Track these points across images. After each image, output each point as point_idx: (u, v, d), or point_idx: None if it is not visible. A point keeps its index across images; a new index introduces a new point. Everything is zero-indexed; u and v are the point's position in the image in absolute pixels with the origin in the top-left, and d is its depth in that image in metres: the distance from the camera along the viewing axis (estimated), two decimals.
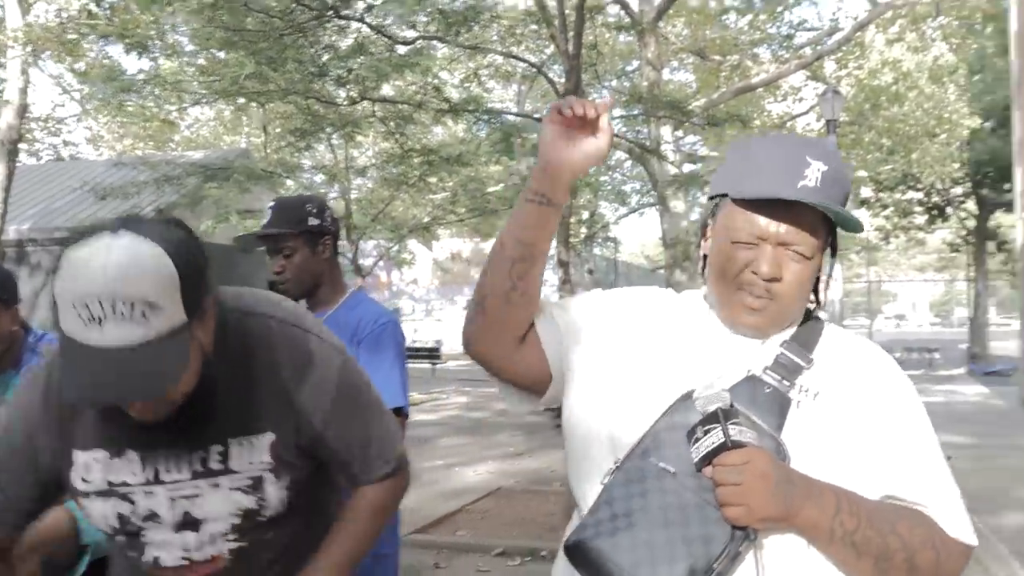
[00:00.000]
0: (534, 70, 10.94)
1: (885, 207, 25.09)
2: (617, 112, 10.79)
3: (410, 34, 9.09)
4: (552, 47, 9.62)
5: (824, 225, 1.32)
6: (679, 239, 11.90)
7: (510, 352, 1.40)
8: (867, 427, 1.28)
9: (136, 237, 1.26)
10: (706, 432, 1.19)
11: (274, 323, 1.54)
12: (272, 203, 2.70)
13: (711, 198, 1.40)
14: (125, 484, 1.47)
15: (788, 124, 18.81)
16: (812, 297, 1.38)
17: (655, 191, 13.48)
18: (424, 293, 33.57)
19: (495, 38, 11.36)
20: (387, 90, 11.22)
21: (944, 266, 42.29)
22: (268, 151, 14.31)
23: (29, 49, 11.85)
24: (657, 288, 1.53)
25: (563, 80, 7.93)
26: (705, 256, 1.40)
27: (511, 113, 10.84)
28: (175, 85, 10.29)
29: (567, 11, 8.20)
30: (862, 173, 21.01)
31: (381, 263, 19.43)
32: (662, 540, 1.17)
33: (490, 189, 14.26)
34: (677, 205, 12.91)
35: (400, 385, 2.59)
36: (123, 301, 1.21)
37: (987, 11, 16.16)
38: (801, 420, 1.27)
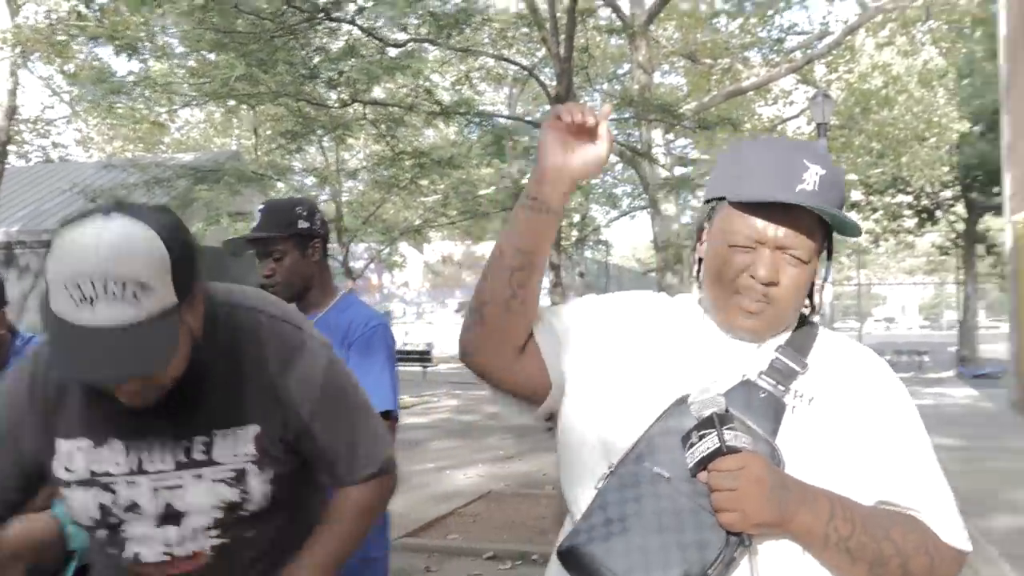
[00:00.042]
0: (525, 73, 10.93)
1: (875, 210, 25.18)
2: (609, 116, 10.77)
3: (401, 36, 9.07)
4: (543, 50, 9.60)
5: (820, 229, 1.31)
6: (670, 242, 11.89)
7: (510, 362, 1.36)
8: (861, 432, 1.28)
9: (128, 219, 1.28)
10: (701, 437, 1.19)
11: (263, 317, 1.55)
12: (261, 206, 2.67)
13: (707, 201, 1.39)
14: (108, 474, 1.47)
15: (779, 128, 18.87)
16: (807, 302, 1.38)
17: (646, 194, 13.48)
18: (415, 296, 33.53)
19: (486, 41, 11.35)
20: (378, 92, 11.20)
21: (933, 269, 42.46)
22: (259, 153, 14.28)
23: (18, 50, 11.80)
24: (650, 292, 1.52)
25: (554, 83, 7.91)
26: (700, 260, 1.39)
27: (503, 116, 10.85)
28: (165, 87, 10.24)
29: (558, 14, 8.19)
30: (852, 177, 21.07)
31: (372, 266, 19.40)
32: (656, 546, 1.17)
33: (481, 192, 14.23)
34: (668, 208, 12.92)
35: (390, 388, 2.58)
36: (115, 281, 1.22)
37: (976, 16, 16.24)
38: (796, 425, 1.26)
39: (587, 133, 1.30)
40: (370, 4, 8.37)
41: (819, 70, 17.16)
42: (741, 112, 16.32)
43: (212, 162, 12.69)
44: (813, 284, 1.36)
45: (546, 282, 9.88)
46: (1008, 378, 14.59)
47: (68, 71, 16.18)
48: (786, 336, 1.36)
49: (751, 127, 17.26)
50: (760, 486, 1.15)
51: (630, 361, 1.36)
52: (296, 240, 2.62)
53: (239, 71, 8.31)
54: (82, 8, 11.64)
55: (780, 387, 1.29)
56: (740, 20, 15.96)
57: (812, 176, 1.27)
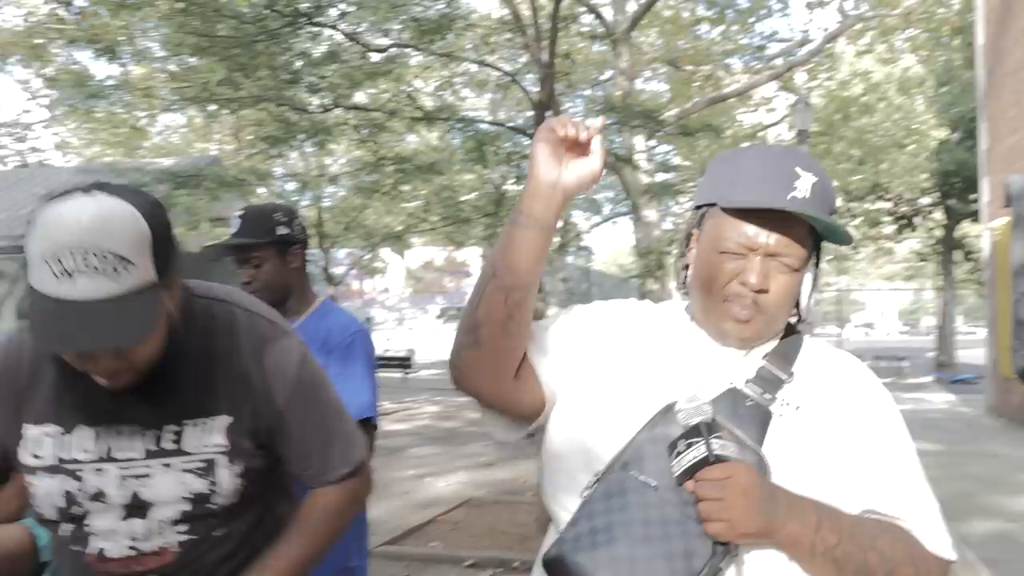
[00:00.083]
0: (508, 78, 10.94)
1: (855, 217, 25.35)
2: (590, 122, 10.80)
3: (383, 41, 9.06)
4: (526, 56, 9.62)
5: (811, 237, 1.31)
6: (652, 248, 11.93)
7: (507, 384, 1.33)
8: (847, 441, 1.27)
9: (110, 196, 1.30)
10: (688, 446, 1.18)
11: (239, 311, 1.56)
12: (240, 212, 2.62)
13: (697, 207, 1.37)
14: (75, 461, 1.46)
15: (760, 134, 18.98)
16: (794, 310, 1.37)
17: (628, 200, 13.52)
18: (396, 302, 33.46)
19: (469, 46, 11.36)
20: (360, 98, 11.19)
21: (912, 275, 42.77)
22: (240, 158, 14.21)
23: None
24: (634, 300, 1.51)
25: (537, 89, 7.92)
26: (688, 266, 1.38)
27: (485, 121, 10.83)
28: (145, 91, 10.18)
29: (541, 20, 8.20)
30: (832, 183, 21.24)
31: (353, 271, 19.34)
32: (643, 555, 1.16)
33: (463, 198, 14.24)
34: (650, 214, 12.96)
35: (370, 396, 2.55)
36: (96, 253, 1.23)
37: (954, 24, 16.41)
38: (782, 434, 1.26)
39: (579, 146, 1.27)
40: (352, 9, 8.36)
41: (800, 77, 17.29)
42: (723, 119, 16.41)
43: (192, 167, 12.60)
44: (801, 293, 1.36)
45: None
46: (985, 383, 14.72)
47: (46, 75, 16.05)
48: (773, 344, 1.36)
49: (733, 134, 17.36)
50: (747, 496, 1.15)
51: (616, 369, 1.34)
52: (275, 247, 2.58)
53: (219, 75, 8.26)
54: (61, 11, 11.53)
55: (767, 395, 1.28)
56: (722, 27, 16.04)
57: (804, 183, 1.27)
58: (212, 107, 10.04)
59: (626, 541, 1.17)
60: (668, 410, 1.24)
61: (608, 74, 16.39)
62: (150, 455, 1.46)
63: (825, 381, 1.33)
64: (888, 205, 24.61)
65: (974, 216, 18.93)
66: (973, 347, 25.98)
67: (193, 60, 9.20)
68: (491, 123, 10.56)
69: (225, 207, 12.37)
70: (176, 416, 1.48)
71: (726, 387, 1.29)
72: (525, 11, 8.56)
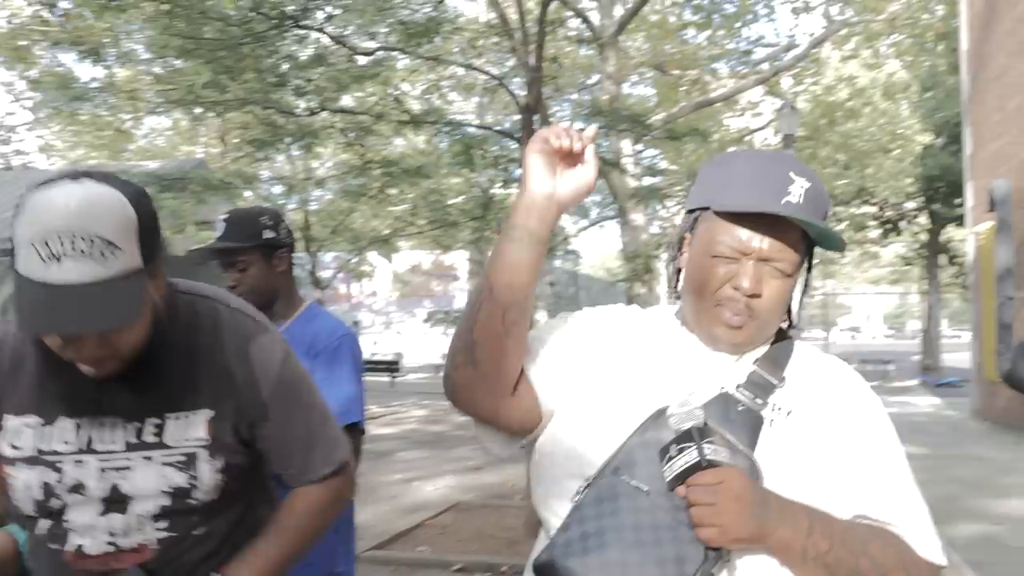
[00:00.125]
0: (495, 82, 10.94)
1: (840, 221, 25.49)
2: (579, 126, 10.82)
3: (370, 45, 9.04)
4: (513, 59, 9.62)
5: (803, 243, 1.30)
6: (639, 252, 11.94)
7: (504, 401, 1.31)
8: (838, 446, 1.27)
9: (97, 183, 1.31)
10: (680, 450, 1.17)
11: (223, 308, 1.57)
12: (225, 215, 2.59)
13: (690, 211, 1.37)
14: (55, 452, 1.46)
15: (746, 139, 19.07)
16: (785, 316, 1.37)
17: (615, 204, 13.55)
18: (383, 305, 33.39)
19: (456, 50, 11.35)
20: (347, 101, 11.15)
21: (897, 279, 43.03)
22: (226, 161, 14.15)
23: None
24: (622, 306, 1.50)
25: (524, 93, 7.92)
26: (679, 270, 1.37)
27: (472, 125, 10.82)
28: (130, 94, 10.12)
29: (528, 24, 8.20)
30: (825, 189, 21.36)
31: (340, 275, 19.28)
32: (634, 560, 1.15)
33: (451, 201, 14.21)
34: (637, 218, 13.00)
35: (357, 400, 2.53)
36: (83, 237, 1.24)
37: (939, 30, 16.53)
38: (774, 439, 1.25)
39: (573, 156, 1.25)
40: (339, 12, 8.33)
41: (786, 82, 17.39)
42: (709, 123, 16.49)
43: (178, 170, 12.52)
44: (792, 298, 1.35)
45: None
46: (970, 387, 14.81)
47: (30, 77, 15.95)
48: (764, 349, 1.35)
49: (719, 138, 17.43)
50: (739, 501, 1.14)
51: (607, 375, 1.33)
52: (261, 250, 2.55)
53: (205, 78, 8.22)
54: (45, 13, 11.46)
55: (758, 400, 1.27)
56: (708, 32, 16.12)
57: (798, 189, 1.27)
58: (198, 110, 9.98)
59: (617, 546, 1.16)
60: (660, 415, 1.23)
61: (595, 78, 16.43)
62: (131, 447, 1.47)
63: (816, 386, 1.33)
64: (873, 209, 24.76)
65: (959, 220, 19.06)
66: (958, 351, 26.15)
67: (178, 62, 9.15)
68: (478, 127, 10.55)
69: (211, 210, 12.30)
70: (158, 409, 1.48)
71: (717, 392, 1.28)
72: (512, 15, 8.55)
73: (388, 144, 14.41)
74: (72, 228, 1.24)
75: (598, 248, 50.86)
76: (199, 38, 7.89)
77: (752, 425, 1.25)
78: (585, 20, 12.83)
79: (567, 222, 22.82)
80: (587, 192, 1.26)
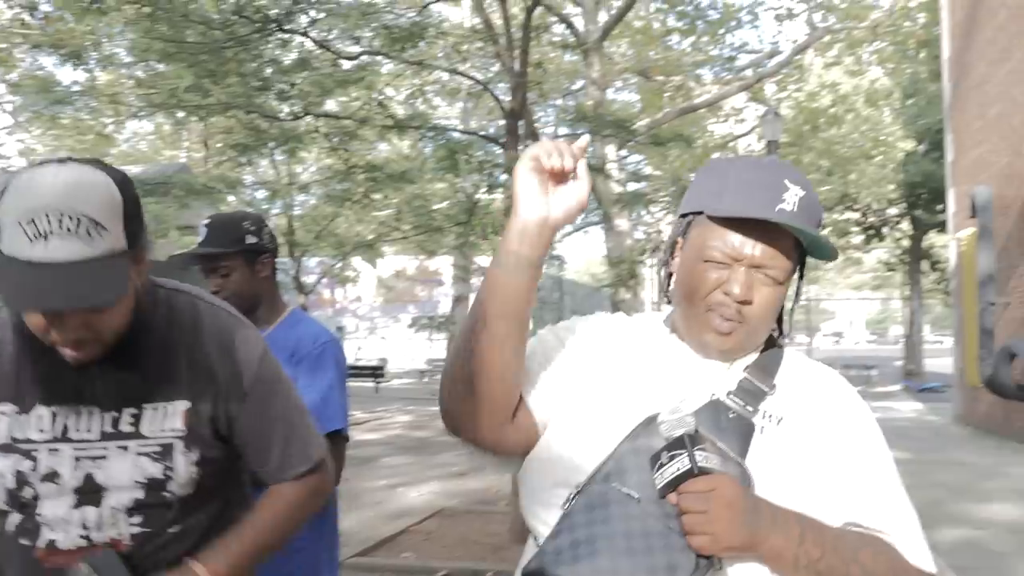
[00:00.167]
0: (480, 87, 10.94)
1: (824, 227, 25.60)
2: (563, 131, 10.85)
3: (354, 49, 9.02)
4: (498, 65, 9.63)
5: (796, 251, 1.30)
6: (624, 257, 11.97)
7: (504, 428, 1.28)
8: (828, 453, 1.27)
9: (83, 165, 1.33)
10: (671, 458, 1.16)
11: (202, 303, 1.59)
12: (207, 220, 2.57)
13: (683, 216, 1.35)
14: (30, 440, 1.46)
15: (730, 145, 19.16)
16: (775, 324, 1.36)
17: (600, 209, 13.57)
18: (368, 311, 33.30)
19: (441, 55, 11.36)
20: (331, 105, 11.14)
21: (880, 285, 43.38)
22: (209, 166, 14.09)
23: None
24: (607, 314, 1.49)
25: (509, 98, 7.92)
26: (671, 275, 1.36)
27: (457, 130, 10.83)
28: (112, 97, 10.05)
29: (513, 29, 8.21)
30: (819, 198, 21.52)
31: (324, 280, 19.23)
32: (625, 568, 1.13)
33: (435, 206, 14.20)
34: (621, 223, 13.01)
35: (340, 407, 2.51)
36: (70, 216, 1.26)
37: (921, 38, 16.68)
38: (764, 446, 1.25)
39: (564, 172, 1.20)
40: (323, 16, 8.31)
41: (769, 88, 17.48)
42: (693, 129, 16.54)
43: (160, 175, 12.47)
44: (783, 306, 1.35)
45: None
46: (953, 392, 14.91)
47: (10, 80, 15.82)
48: (754, 357, 1.34)
49: (703, 144, 17.49)
50: (731, 509, 1.13)
51: (597, 383, 1.32)
52: (244, 256, 2.52)
53: (187, 81, 8.17)
54: (25, 16, 11.37)
55: (749, 408, 1.27)
56: (692, 38, 16.19)
57: (792, 196, 1.26)
58: (180, 114, 9.94)
59: (608, 554, 1.15)
60: (650, 422, 1.22)
61: (580, 84, 16.48)
62: (106, 436, 1.47)
63: (806, 394, 1.32)
64: (856, 216, 24.93)
65: (941, 227, 19.23)
66: (940, 356, 26.35)
67: (161, 66, 9.10)
68: (463, 132, 10.56)
69: (194, 215, 12.25)
70: (136, 399, 1.48)
71: (708, 399, 1.27)
72: (497, 20, 8.56)
73: (372, 149, 14.39)
74: (59, 207, 1.26)
75: (583, 253, 50.91)
76: (181, 41, 7.85)
77: (743, 432, 1.24)
78: (570, 26, 12.85)
79: None
80: (580, 210, 1.22)
